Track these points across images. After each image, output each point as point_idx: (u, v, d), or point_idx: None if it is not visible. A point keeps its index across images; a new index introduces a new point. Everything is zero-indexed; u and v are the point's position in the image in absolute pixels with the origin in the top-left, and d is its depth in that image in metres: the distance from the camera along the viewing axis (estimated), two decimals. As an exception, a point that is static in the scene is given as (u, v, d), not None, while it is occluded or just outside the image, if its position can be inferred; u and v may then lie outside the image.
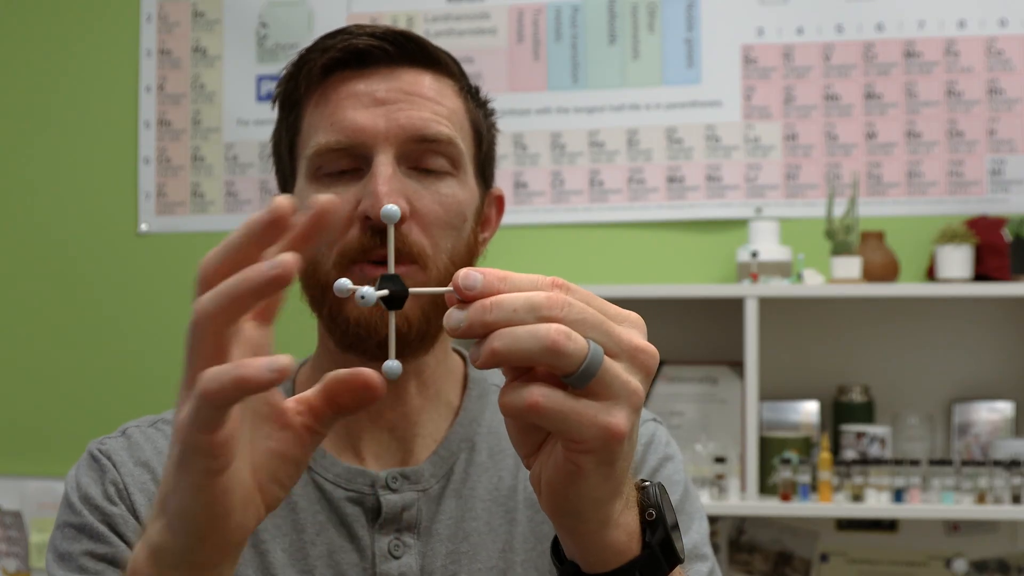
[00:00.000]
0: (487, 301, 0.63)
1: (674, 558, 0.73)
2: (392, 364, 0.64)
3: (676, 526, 0.74)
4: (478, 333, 0.63)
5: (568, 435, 0.64)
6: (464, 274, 0.63)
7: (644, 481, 0.75)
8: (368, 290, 0.63)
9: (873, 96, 2.46)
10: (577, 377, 0.63)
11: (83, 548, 0.93)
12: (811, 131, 2.48)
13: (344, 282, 0.65)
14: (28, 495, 2.68)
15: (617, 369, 0.64)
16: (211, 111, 2.70)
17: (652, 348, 0.66)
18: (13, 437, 2.74)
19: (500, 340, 0.62)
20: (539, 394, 0.63)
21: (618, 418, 0.64)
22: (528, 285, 0.64)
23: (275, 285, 0.59)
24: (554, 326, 0.62)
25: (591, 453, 0.65)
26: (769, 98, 2.49)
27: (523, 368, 0.65)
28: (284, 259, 0.59)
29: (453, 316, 0.63)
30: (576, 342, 0.62)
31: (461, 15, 2.61)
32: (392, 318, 0.66)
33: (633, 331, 0.66)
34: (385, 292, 0.64)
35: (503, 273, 0.64)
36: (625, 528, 0.71)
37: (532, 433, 0.69)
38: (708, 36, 2.52)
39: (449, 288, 0.64)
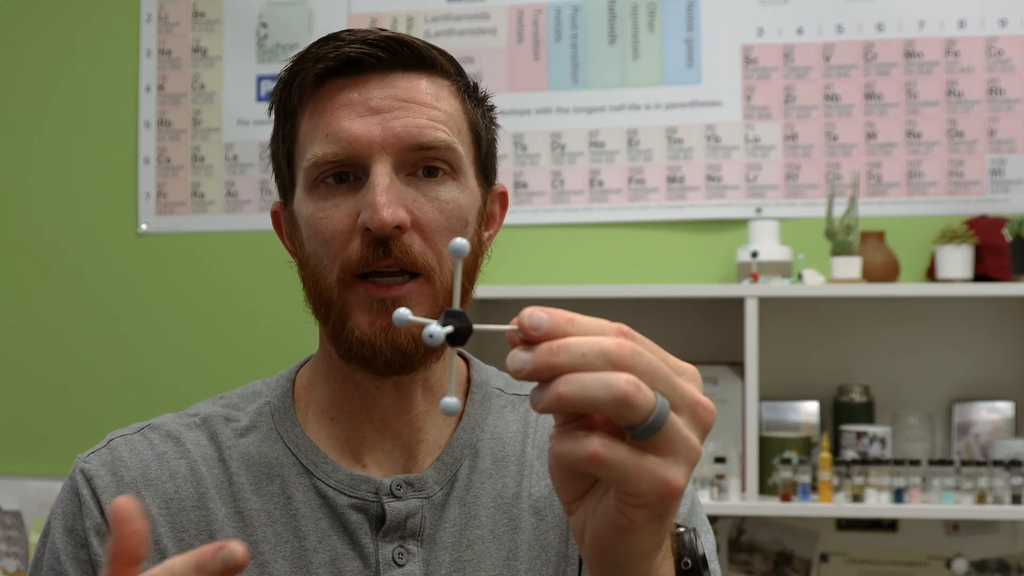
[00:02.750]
0: (554, 344, 0.61)
1: None
2: (449, 402, 0.63)
3: (709, 573, 0.74)
4: (543, 376, 0.61)
5: (626, 488, 0.63)
6: (529, 314, 0.62)
7: (679, 527, 0.75)
8: (436, 328, 0.62)
9: (873, 96, 2.46)
10: (643, 431, 0.62)
11: None
12: (811, 131, 2.48)
13: (404, 313, 0.63)
14: (28, 495, 2.68)
15: (679, 424, 0.63)
16: (211, 111, 2.70)
17: (711, 404, 0.65)
18: (13, 437, 2.74)
19: (567, 386, 0.61)
20: (601, 445, 0.62)
21: (676, 474, 0.63)
22: (595, 329, 0.63)
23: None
24: (624, 376, 0.61)
25: (646, 508, 0.64)
26: (769, 98, 2.49)
27: (576, 414, 0.64)
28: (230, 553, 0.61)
29: (518, 357, 0.62)
30: (645, 394, 0.61)
31: (461, 15, 2.61)
32: (453, 354, 0.64)
33: (692, 384, 0.65)
34: (451, 329, 0.63)
35: (570, 315, 0.63)
36: None
37: (579, 480, 0.67)
38: (708, 36, 2.52)
39: (514, 327, 0.62)
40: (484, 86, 1.05)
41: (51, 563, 0.95)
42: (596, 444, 0.62)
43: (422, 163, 0.93)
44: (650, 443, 0.62)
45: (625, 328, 0.64)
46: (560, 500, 0.69)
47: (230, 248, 2.68)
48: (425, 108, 0.94)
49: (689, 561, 0.73)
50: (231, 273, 2.67)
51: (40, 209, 2.76)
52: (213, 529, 0.95)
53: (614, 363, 0.61)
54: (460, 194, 0.95)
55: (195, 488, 0.96)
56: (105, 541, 0.93)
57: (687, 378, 0.65)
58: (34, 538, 2.67)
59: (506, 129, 2.55)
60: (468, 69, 2.54)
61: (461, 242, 0.63)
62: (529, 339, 0.62)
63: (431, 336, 0.62)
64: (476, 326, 0.64)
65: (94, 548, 0.94)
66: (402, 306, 0.90)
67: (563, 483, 0.68)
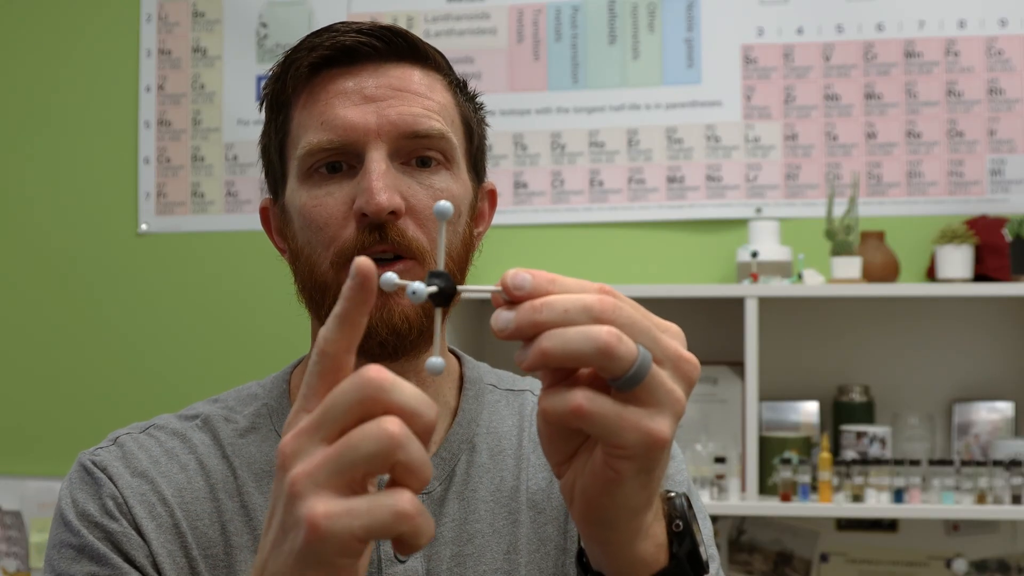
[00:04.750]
0: (537, 302, 0.62)
1: (700, 568, 0.73)
2: (435, 361, 0.63)
3: (701, 537, 0.74)
4: (527, 334, 0.62)
5: (611, 440, 0.64)
6: (513, 274, 0.63)
7: (669, 492, 0.75)
8: (419, 285, 0.62)
9: (873, 96, 2.46)
10: (626, 381, 0.63)
11: (85, 571, 0.90)
12: (811, 131, 2.48)
13: (391, 276, 0.63)
14: (28, 495, 2.68)
15: (663, 376, 0.64)
16: (211, 111, 2.70)
17: (694, 359, 0.66)
18: (13, 437, 2.74)
19: (550, 340, 0.62)
20: (584, 398, 0.63)
21: (661, 425, 0.64)
22: (576, 288, 0.64)
23: (368, 287, 0.59)
24: (606, 328, 0.62)
25: (632, 459, 0.65)
26: (769, 98, 2.49)
27: (562, 374, 0.65)
28: (358, 265, 0.59)
29: (501, 316, 0.63)
30: (627, 345, 0.62)
31: (461, 15, 2.61)
32: (438, 314, 0.65)
33: (675, 341, 0.66)
34: (435, 288, 0.63)
35: (552, 275, 0.64)
36: (654, 539, 0.72)
37: (566, 440, 0.68)
38: (708, 36, 2.52)
39: (498, 287, 0.63)
40: (484, 86, 1.05)
41: (69, 542, 0.92)
42: (580, 397, 0.63)
43: (416, 152, 0.94)
44: (634, 395, 0.63)
45: (607, 287, 0.64)
46: (550, 464, 0.70)
47: (230, 248, 2.68)
48: (419, 98, 0.95)
49: (680, 523, 0.73)
50: (231, 273, 2.67)
51: (40, 209, 2.76)
52: (224, 520, 0.94)
53: (596, 317, 0.62)
54: (453, 183, 0.96)
55: (205, 481, 0.96)
56: (119, 521, 0.92)
57: (670, 335, 0.66)
58: (34, 538, 2.67)
59: (506, 129, 2.55)
60: (468, 69, 2.54)
61: (445, 204, 0.64)
62: (512, 299, 0.63)
63: (414, 293, 0.62)
64: (461, 287, 0.65)
65: (115, 523, 0.92)
66: None
67: (550, 444, 0.69)
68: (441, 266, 0.65)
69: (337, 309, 0.61)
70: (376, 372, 0.58)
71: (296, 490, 0.58)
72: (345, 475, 0.57)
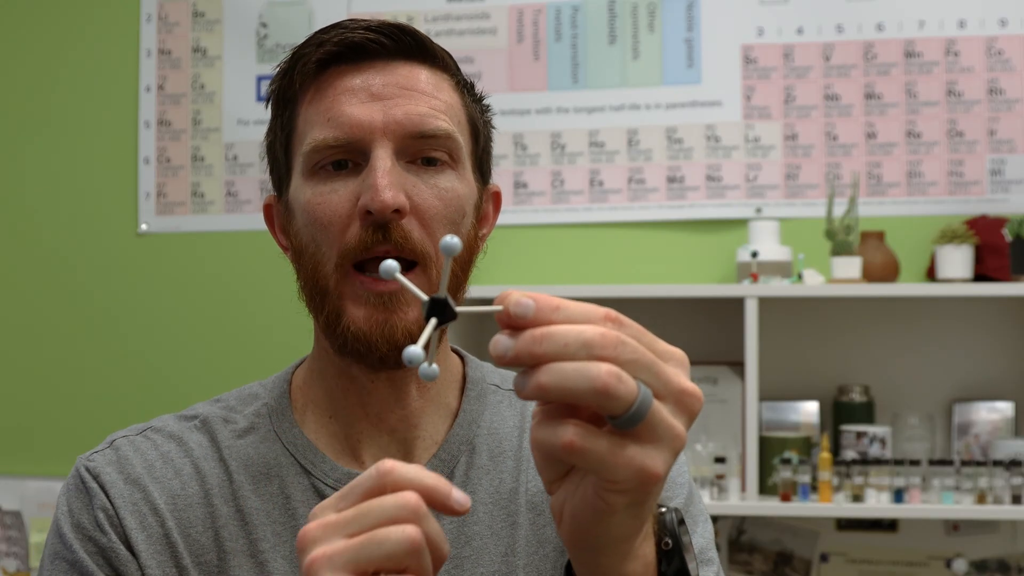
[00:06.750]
0: (538, 332, 0.61)
1: None
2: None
3: (692, 555, 0.74)
4: (526, 363, 0.62)
5: (603, 475, 0.63)
6: (515, 301, 0.62)
7: (661, 507, 0.75)
8: (418, 359, 0.62)
9: (873, 96, 2.46)
10: (624, 421, 0.62)
11: None
12: (811, 131, 2.48)
13: (393, 266, 0.63)
14: (28, 495, 2.69)
15: (663, 413, 0.63)
16: (211, 111, 2.70)
17: (698, 391, 0.65)
18: (13, 437, 2.74)
19: (548, 375, 0.61)
20: (575, 434, 0.62)
21: (656, 461, 0.63)
22: (581, 317, 0.62)
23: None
24: (605, 367, 0.60)
25: (624, 494, 0.64)
26: (769, 98, 2.49)
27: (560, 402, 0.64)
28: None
29: (501, 343, 0.62)
30: (627, 385, 0.61)
31: (461, 15, 2.61)
32: (432, 322, 0.64)
33: (679, 371, 0.65)
34: (433, 321, 0.63)
35: (556, 302, 0.63)
36: (643, 559, 0.71)
37: (559, 462, 0.67)
38: (708, 36, 2.52)
39: (498, 308, 0.62)
40: (484, 86, 1.05)
41: (63, 555, 0.93)
42: (571, 434, 0.62)
43: (422, 151, 0.94)
44: (631, 431, 0.62)
45: (613, 314, 0.63)
46: (542, 480, 0.69)
47: (230, 248, 2.68)
48: (426, 97, 0.94)
49: (670, 541, 0.73)
50: (231, 273, 2.67)
51: (40, 209, 2.76)
52: (218, 526, 0.94)
53: (596, 354, 0.61)
54: (458, 184, 0.95)
55: (200, 486, 0.96)
56: (108, 534, 0.93)
57: (674, 363, 0.65)
58: (34, 538, 2.67)
59: (506, 129, 2.55)
60: (468, 69, 2.54)
61: (454, 241, 0.63)
62: (513, 325, 0.62)
63: (410, 361, 0.62)
64: (459, 308, 0.64)
65: (105, 537, 0.93)
66: (397, 300, 0.90)
67: (544, 465, 0.68)
68: (444, 291, 0.64)
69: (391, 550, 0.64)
70: (416, 501, 0.63)
71: (314, 568, 0.63)
72: (362, 564, 0.62)
